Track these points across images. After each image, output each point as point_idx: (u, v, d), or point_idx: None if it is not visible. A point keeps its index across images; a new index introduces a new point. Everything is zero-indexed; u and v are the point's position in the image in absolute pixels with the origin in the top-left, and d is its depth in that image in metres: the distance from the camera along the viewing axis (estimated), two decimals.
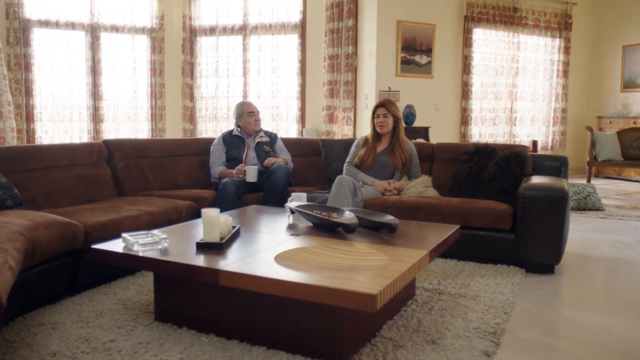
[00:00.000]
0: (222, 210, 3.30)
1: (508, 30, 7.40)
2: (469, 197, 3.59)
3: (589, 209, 5.28)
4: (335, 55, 7.06)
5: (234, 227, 2.53)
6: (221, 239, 2.31)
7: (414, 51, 6.76)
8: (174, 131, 7.94)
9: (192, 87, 7.85)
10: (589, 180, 6.44)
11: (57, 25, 7.09)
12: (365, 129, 6.69)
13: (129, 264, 2.18)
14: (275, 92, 7.68)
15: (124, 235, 2.27)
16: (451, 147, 4.03)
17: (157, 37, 7.68)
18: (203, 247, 2.24)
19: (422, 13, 6.78)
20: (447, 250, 3.37)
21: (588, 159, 6.45)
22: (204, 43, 7.80)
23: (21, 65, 6.85)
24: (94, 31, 7.31)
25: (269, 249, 2.27)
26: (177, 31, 7.77)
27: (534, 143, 6.98)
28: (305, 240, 2.43)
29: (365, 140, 3.98)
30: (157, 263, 2.09)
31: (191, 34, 7.77)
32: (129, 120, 7.77)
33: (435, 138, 6.64)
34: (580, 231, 4.48)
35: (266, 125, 7.77)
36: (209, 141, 4.21)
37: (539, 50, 7.75)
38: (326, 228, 2.61)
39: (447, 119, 7.17)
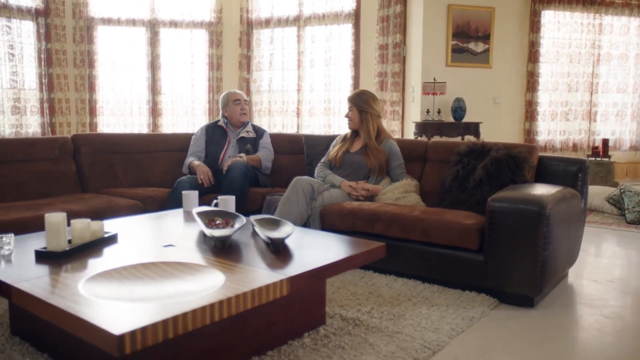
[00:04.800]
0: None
1: (587, 11, 6.37)
2: (449, 207, 3.02)
3: None
4: (385, 44, 6.55)
5: (107, 233, 2.27)
6: (72, 247, 2.06)
7: (467, 38, 6.04)
8: None
9: (248, 81, 7.73)
10: None
11: (119, 22, 7.31)
12: (412, 125, 6.12)
13: None
14: (328, 85, 7.33)
15: None
16: (446, 146, 3.43)
17: (215, 31, 7.65)
18: (41, 256, 2.00)
19: None
20: (413, 270, 2.88)
21: None
22: (259, 36, 7.65)
23: (85, 61, 7.13)
24: (153, 27, 7.45)
25: (114, 261, 1.97)
26: (235, 24, 7.69)
27: (604, 142, 5.93)
28: (173, 252, 2.10)
29: (344, 137, 3.54)
30: None
31: (248, 27, 7.65)
32: (186, 115, 7.84)
33: (491, 135, 5.91)
34: (622, 252, 3.66)
35: (318, 120, 7.45)
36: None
37: (629, 33, 6.59)
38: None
39: (508, 113, 6.34)
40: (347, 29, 7.06)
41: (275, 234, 2.17)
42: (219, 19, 7.65)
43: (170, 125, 7.70)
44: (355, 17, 6.96)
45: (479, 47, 6.07)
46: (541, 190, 2.67)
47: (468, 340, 2.22)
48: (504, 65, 6.21)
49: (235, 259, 2.04)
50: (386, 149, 3.36)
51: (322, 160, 3.51)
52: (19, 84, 6.69)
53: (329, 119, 7.36)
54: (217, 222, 2.35)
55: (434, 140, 3.63)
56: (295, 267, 1.95)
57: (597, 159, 5.82)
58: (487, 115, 6.07)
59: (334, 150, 3.48)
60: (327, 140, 3.75)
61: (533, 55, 6.29)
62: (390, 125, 6.51)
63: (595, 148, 5.93)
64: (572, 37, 6.44)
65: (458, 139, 5.82)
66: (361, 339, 2.16)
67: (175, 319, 1.48)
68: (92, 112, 7.27)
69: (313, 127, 7.42)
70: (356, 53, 7.01)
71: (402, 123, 6.49)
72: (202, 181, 3.48)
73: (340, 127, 7.22)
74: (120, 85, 7.46)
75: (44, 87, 6.90)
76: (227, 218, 2.40)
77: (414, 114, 6.17)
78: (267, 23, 7.53)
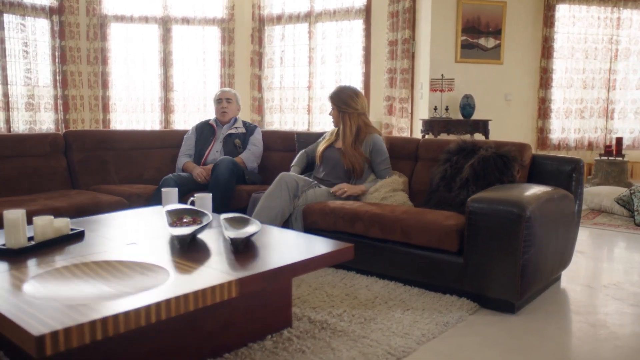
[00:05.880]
0: None
1: (604, 4, 6.14)
2: (435, 207, 2.93)
3: None
4: (394, 40, 6.44)
5: (73, 230, 2.25)
6: (32, 244, 2.05)
7: (477, 33, 5.89)
8: None
9: (259, 78, 7.71)
10: None
11: (131, 19, 7.35)
12: (420, 122, 6.00)
13: None
14: (338, 82, 7.24)
15: None
16: (437, 144, 3.33)
17: (227, 27, 7.64)
18: None
19: None
20: (394, 272, 2.79)
21: None
22: (271, 32, 7.62)
23: (99, 59, 7.20)
24: (165, 24, 7.48)
25: (71, 258, 1.95)
26: (247, 21, 7.67)
27: (618, 141, 5.69)
28: (133, 251, 2.07)
29: (332, 132, 3.48)
30: None
31: (260, 24, 7.62)
32: (198, 111, 7.86)
33: (501, 133, 5.76)
34: (624, 255, 3.51)
35: (329, 117, 7.36)
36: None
37: None
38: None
39: (520, 111, 6.16)
40: (358, 24, 6.97)
41: (236, 234, 2.11)
42: (231, 15, 7.64)
43: (182, 122, 7.72)
44: (366, 13, 6.86)
45: (490, 42, 5.91)
46: (525, 190, 2.56)
47: (438, 346, 2.13)
48: (515, 61, 6.04)
49: (192, 259, 1.99)
50: (369, 145, 3.27)
51: (305, 149, 3.47)
52: (33, 81, 6.79)
53: None
54: (185, 220, 2.31)
55: (425, 139, 3.52)
56: (250, 268, 1.89)
57: (610, 158, 5.61)
58: (497, 113, 5.91)
59: (320, 145, 3.42)
60: (317, 137, 3.68)
61: (547, 51, 6.10)
62: (399, 122, 6.40)
63: (608, 147, 5.71)
64: (588, 31, 6.22)
65: (467, 137, 5.68)
66: (324, 343, 2.10)
67: (104, 320, 1.44)
68: (105, 108, 7.33)
69: (324, 124, 7.36)
70: (367, 49, 6.91)
71: (412, 120, 6.38)
72: (199, 178, 3.50)
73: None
74: (133, 82, 7.50)
75: (58, 84, 6.99)
76: (195, 216, 2.36)
77: (422, 111, 6.05)
78: (279, 19, 7.49)
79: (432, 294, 2.64)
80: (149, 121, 7.60)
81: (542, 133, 6.21)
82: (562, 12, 6.12)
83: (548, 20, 6.04)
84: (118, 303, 1.53)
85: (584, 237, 3.97)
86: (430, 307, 2.47)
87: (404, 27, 6.22)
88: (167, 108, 7.62)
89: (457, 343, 2.17)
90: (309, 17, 7.24)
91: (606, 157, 5.63)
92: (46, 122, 6.98)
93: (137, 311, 1.51)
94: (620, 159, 5.55)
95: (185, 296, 1.63)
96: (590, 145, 6.38)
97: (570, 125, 6.35)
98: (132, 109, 7.55)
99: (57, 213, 2.87)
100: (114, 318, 1.46)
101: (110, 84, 7.30)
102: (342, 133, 3.30)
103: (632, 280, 2.96)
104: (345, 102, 3.30)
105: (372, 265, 2.85)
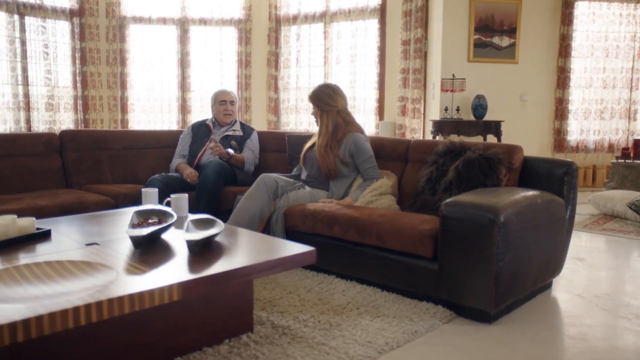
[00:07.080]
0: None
1: (627, 1, 5.88)
2: (418, 210, 2.85)
3: None
4: (407, 40, 6.33)
5: (39, 229, 2.26)
6: None
7: (491, 32, 5.73)
8: (259, 123, 7.88)
9: (276, 78, 7.70)
10: None
11: (149, 21, 7.44)
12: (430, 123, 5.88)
13: None
14: (353, 82, 7.18)
15: None
16: (428, 146, 3.23)
17: (244, 28, 7.66)
18: None
19: None
20: (371, 277, 2.72)
21: None
22: (287, 32, 7.60)
23: (117, 60, 7.31)
24: (183, 25, 7.54)
25: (27, 258, 1.95)
26: (264, 21, 7.67)
27: (636, 143, 5.43)
28: (89, 251, 2.07)
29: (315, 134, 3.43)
30: None
31: (276, 24, 7.61)
32: None
33: (515, 134, 5.60)
34: (627, 263, 3.34)
35: None
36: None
37: None
38: None
39: (536, 112, 5.97)
40: (373, 24, 6.89)
41: (192, 236, 2.08)
42: (248, 16, 7.65)
43: None
44: (381, 12, 6.77)
45: (504, 41, 5.75)
46: (505, 194, 2.45)
47: (400, 356, 2.05)
48: (531, 61, 5.86)
49: (147, 261, 1.97)
50: (349, 145, 3.18)
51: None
52: (53, 82, 6.94)
53: (354, 117, 7.18)
54: (150, 220, 2.29)
55: (416, 140, 3.43)
56: (199, 272, 1.85)
57: (627, 161, 5.36)
58: (511, 114, 5.74)
59: (305, 145, 3.38)
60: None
61: (564, 50, 5.89)
62: (412, 123, 6.29)
63: (625, 149, 5.47)
64: (609, 29, 5.98)
65: (478, 138, 5.54)
66: (281, 349, 2.05)
67: (25, 322, 1.42)
68: (124, 109, 7.43)
69: None
70: (382, 49, 6.82)
71: (424, 121, 6.26)
72: (189, 179, 3.50)
73: (365, 124, 7.06)
74: (151, 82, 7.59)
75: (77, 85, 7.13)
76: (162, 217, 2.34)
77: (434, 112, 5.93)
78: (295, 19, 7.47)
79: (408, 300, 2.56)
80: (167, 121, 7.69)
81: (559, 134, 6.00)
82: (580, 9, 5.90)
83: (566, 18, 5.83)
84: (46, 304, 1.51)
85: (590, 243, 3.81)
86: (402, 315, 2.39)
87: (416, 26, 6.11)
88: (184, 108, 7.68)
89: (421, 353, 2.08)
90: (325, 17, 7.19)
91: (623, 160, 5.39)
92: (66, 122, 7.12)
93: (63, 312, 1.49)
94: (639, 161, 5.30)
95: (120, 299, 1.60)
96: (611, 148, 6.13)
97: (590, 127, 6.12)
98: (150, 109, 7.64)
99: (41, 212, 2.91)
100: (37, 319, 1.44)
101: (128, 84, 7.41)
102: (318, 132, 3.25)
103: (626, 291, 2.81)
104: (324, 100, 3.23)
105: (350, 269, 2.78)
